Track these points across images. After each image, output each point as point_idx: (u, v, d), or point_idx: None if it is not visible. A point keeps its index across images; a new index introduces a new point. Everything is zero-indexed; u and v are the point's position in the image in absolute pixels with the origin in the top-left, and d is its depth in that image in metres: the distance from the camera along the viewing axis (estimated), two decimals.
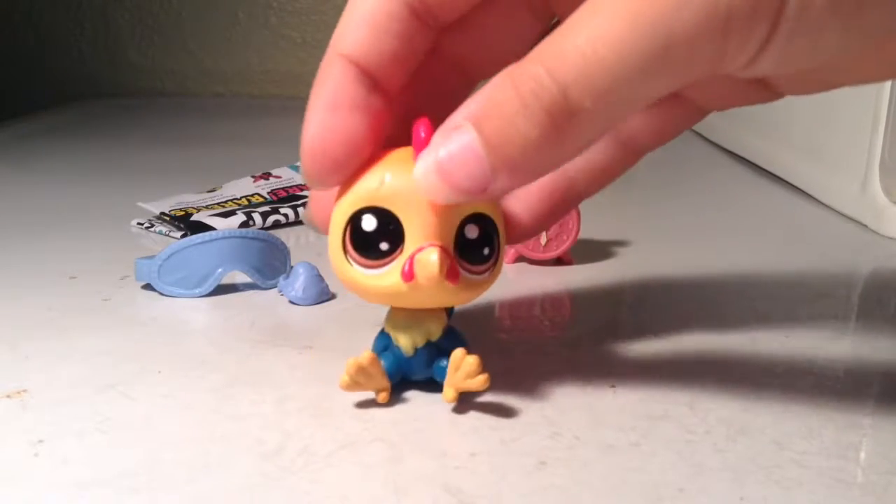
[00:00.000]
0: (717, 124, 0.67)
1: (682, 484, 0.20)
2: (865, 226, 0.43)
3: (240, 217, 0.42)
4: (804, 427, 0.23)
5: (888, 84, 0.40)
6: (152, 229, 0.42)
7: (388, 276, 0.22)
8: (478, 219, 0.22)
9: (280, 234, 0.42)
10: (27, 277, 0.35)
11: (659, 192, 0.53)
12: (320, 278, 0.32)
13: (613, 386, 0.25)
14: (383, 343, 0.24)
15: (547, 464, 0.21)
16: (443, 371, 0.23)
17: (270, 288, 0.33)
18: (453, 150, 0.19)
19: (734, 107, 0.24)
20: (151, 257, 0.33)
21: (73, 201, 0.49)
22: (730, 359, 0.27)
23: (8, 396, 0.24)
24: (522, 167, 0.19)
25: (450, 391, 0.23)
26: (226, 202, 0.45)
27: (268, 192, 0.46)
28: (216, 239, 0.32)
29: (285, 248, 0.34)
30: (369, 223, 0.22)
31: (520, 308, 0.32)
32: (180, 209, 0.43)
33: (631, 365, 0.27)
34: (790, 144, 0.53)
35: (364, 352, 0.23)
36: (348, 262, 0.22)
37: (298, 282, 0.32)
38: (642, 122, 0.25)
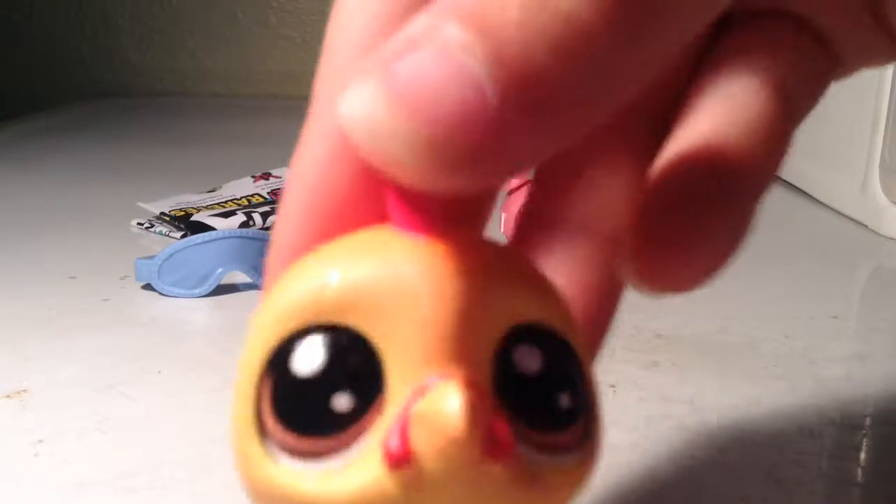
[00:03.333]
0: None
1: (683, 484, 0.20)
2: (865, 226, 0.43)
3: (240, 217, 0.42)
4: (804, 427, 0.23)
5: (888, 84, 0.40)
6: (152, 229, 0.42)
7: (353, 470, 0.10)
8: (532, 334, 0.11)
9: None
10: (27, 277, 0.35)
11: None
12: None
13: (613, 386, 0.25)
14: None
15: None
16: None
17: None
18: (421, 63, 0.09)
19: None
20: (151, 257, 0.33)
21: (73, 201, 0.49)
22: (730, 359, 0.27)
23: (8, 396, 0.24)
24: (554, 88, 0.09)
25: None
26: (226, 202, 0.45)
27: (268, 192, 0.46)
28: (216, 239, 0.32)
29: None
30: (311, 358, 0.11)
31: None
32: (180, 209, 0.43)
33: (631, 365, 0.27)
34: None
35: None
36: (264, 451, 0.11)
37: None
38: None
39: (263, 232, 0.34)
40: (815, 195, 0.49)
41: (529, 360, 0.11)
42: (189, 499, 0.19)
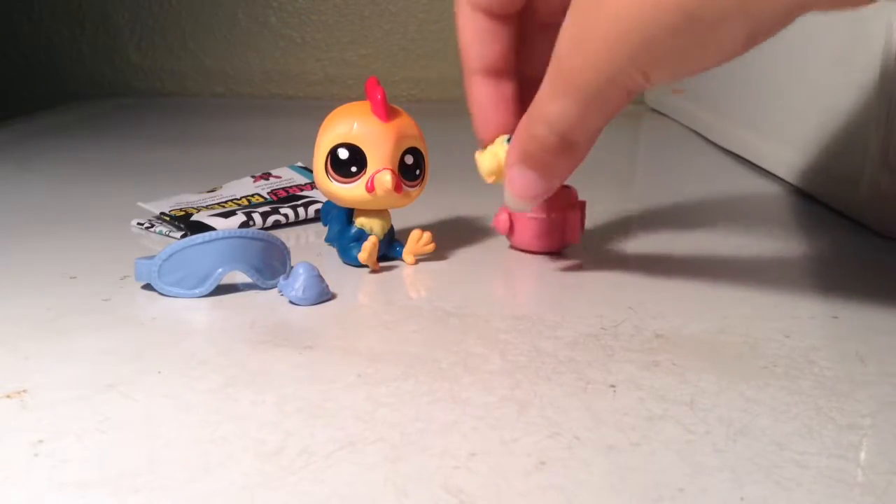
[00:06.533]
0: (718, 124, 0.67)
1: (682, 484, 0.20)
2: (866, 225, 0.43)
3: (240, 217, 0.42)
4: (804, 427, 0.23)
5: (888, 83, 0.40)
6: (152, 229, 0.42)
7: (356, 188, 0.34)
8: (412, 151, 0.35)
9: (280, 234, 0.42)
10: (27, 277, 0.35)
11: (659, 193, 0.53)
12: (320, 278, 0.32)
13: (613, 386, 0.25)
14: (356, 235, 0.36)
15: (547, 464, 0.21)
16: (398, 249, 0.37)
17: (270, 288, 0.33)
18: (521, 183, 0.31)
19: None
20: (151, 257, 0.33)
21: (73, 201, 0.49)
22: (729, 358, 0.27)
23: (8, 396, 0.24)
24: (559, 174, 0.31)
25: (410, 256, 0.37)
26: (226, 202, 0.45)
27: (268, 192, 0.46)
28: (216, 239, 0.32)
29: (285, 248, 0.34)
30: (343, 154, 0.34)
31: (520, 308, 0.32)
32: (180, 209, 0.43)
33: (631, 364, 0.27)
34: (790, 144, 0.53)
35: (371, 237, 0.35)
36: (328, 179, 0.34)
37: (298, 282, 0.32)
38: None
39: (263, 232, 0.34)
40: (815, 194, 0.49)
41: (409, 160, 0.35)
42: (189, 499, 0.19)
